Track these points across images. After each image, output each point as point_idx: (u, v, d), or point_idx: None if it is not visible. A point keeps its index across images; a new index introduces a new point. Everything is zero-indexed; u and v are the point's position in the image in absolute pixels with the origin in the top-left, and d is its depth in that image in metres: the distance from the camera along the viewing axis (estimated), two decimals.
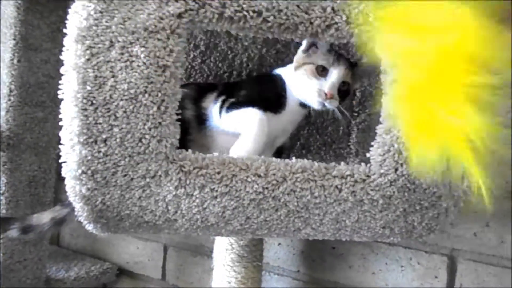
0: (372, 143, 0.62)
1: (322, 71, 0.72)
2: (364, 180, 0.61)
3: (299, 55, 0.76)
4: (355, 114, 0.95)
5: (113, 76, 0.54)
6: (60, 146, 0.56)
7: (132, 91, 0.54)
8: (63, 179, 0.60)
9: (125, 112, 0.54)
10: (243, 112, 0.71)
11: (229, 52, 0.91)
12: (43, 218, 0.76)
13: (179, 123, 0.59)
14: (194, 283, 1.25)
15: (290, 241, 1.12)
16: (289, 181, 0.60)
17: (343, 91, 0.73)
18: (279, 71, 0.80)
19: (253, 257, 0.96)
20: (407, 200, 0.61)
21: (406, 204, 0.62)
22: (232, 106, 0.73)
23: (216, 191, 0.59)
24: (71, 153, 0.55)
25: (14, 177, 1.06)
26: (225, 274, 0.96)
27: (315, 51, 0.74)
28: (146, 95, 0.54)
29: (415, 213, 0.63)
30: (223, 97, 0.76)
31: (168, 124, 0.56)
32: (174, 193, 0.58)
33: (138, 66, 0.54)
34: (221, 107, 0.74)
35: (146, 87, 0.54)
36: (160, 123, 0.55)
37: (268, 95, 0.75)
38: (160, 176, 0.57)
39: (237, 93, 0.76)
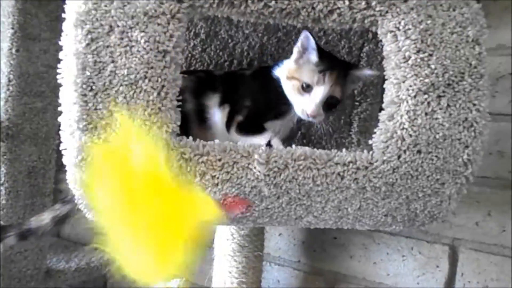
0: (375, 130, 0.61)
1: (307, 88, 0.69)
2: (366, 167, 0.60)
3: (290, 65, 0.73)
4: (357, 103, 0.95)
5: (112, 61, 0.53)
6: (60, 133, 0.55)
7: (132, 76, 0.53)
8: (63, 169, 0.59)
9: (125, 97, 0.53)
10: (257, 139, 0.69)
11: (229, 41, 0.90)
12: (43, 219, 0.74)
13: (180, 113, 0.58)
14: (195, 274, 1.25)
15: (291, 231, 1.12)
16: (291, 168, 0.59)
17: (331, 104, 0.70)
18: (277, 73, 0.76)
19: (254, 247, 0.96)
20: (409, 187, 0.61)
21: (409, 192, 0.61)
22: (242, 127, 0.72)
23: (217, 178, 0.58)
24: (71, 140, 0.54)
25: (13, 167, 1.05)
26: (226, 264, 0.96)
27: (305, 62, 0.71)
28: (146, 81, 0.53)
29: (418, 201, 0.62)
30: (227, 108, 0.74)
31: (168, 110, 0.55)
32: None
33: (138, 51, 0.53)
34: (229, 122, 0.73)
35: (146, 72, 0.53)
36: (160, 109, 0.55)
37: (274, 105, 0.73)
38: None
39: (241, 103, 0.74)
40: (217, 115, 0.74)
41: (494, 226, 0.89)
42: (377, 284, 1.01)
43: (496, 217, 0.88)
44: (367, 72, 0.72)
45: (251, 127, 0.70)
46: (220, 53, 0.91)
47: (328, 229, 1.07)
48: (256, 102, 0.74)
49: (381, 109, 0.84)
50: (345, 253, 1.05)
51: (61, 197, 0.75)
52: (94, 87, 0.53)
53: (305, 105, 0.70)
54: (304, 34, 0.69)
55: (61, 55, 0.54)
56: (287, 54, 0.90)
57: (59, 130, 0.56)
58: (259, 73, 0.81)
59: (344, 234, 1.04)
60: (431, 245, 0.95)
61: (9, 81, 1.02)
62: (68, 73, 0.53)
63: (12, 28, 1.01)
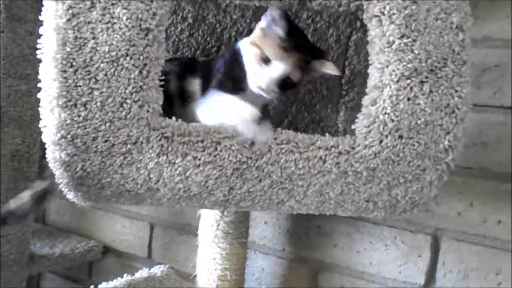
0: (358, 115, 0.61)
1: (266, 61, 0.65)
2: (348, 152, 0.60)
3: (257, 31, 0.67)
4: (344, 92, 0.95)
5: (93, 38, 0.52)
6: (39, 109, 0.54)
7: (113, 53, 0.52)
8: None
9: (105, 75, 0.53)
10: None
11: (217, 26, 0.89)
12: (23, 197, 0.73)
13: (162, 91, 0.58)
14: (180, 261, 1.25)
15: (276, 220, 1.12)
16: (273, 152, 0.59)
17: (286, 84, 0.66)
18: (240, 43, 0.71)
19: (238, 233, 0.96)
20: (391, 173, 0.61)
21: (390, 177, 0.61)
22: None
23: (199, 159, 0.58)
24: (50, 117, 0.54)
25: None
26: (210, 250, 0.96)
27: (271, 34, 0.65)
28: (128, 58, 0.53)
29: (399, 186, 0.63)
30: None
31: (150, 89, 0.55)
32: (156, 160, 0.57)
33: (120, 28, 0.53)
34: None
35: (128, 50, 0.53)
36: (141, 87, 0.54)
37: (230, 76, 0.69)
38: (142, 142, 0.56)
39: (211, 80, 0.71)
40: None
41: (476, 216, 0.89)
42: (360, 272, 1.02)
43: (478, 207, 0.89)
44: (325, 68, 0.65)
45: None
46: (208, 38, 0.90)
47: (313, 217, 1.07)
48: (218, 74, 0.71)
49: None
50: (329, 242, 1.05)
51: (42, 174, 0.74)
52: (74, 64, 0.52)
53: (259, 77, 0.65)
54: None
55: (41, 30, 0.53)
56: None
57: None
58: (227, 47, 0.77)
59: (329, 222, 1.05)
60: (413, 235, 0.96)
61: None
62: (48, 48, 0.52)
63: None
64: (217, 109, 0.67)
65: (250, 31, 0.90)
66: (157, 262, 1.30)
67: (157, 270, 1.03)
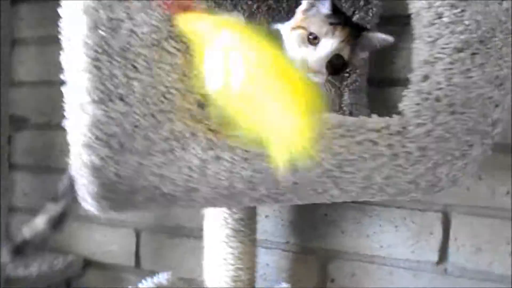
0: (404, 93, 0.58)
1: (313, 40, 0.63)
2: (399, 132, 0.57)
3: (298, 15, 0.67)
4: (346, 75, 0.92)
5: (130, 18, 0.44)
6: (63, 107, 0.46)
7: (154, 35, 0.45)
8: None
9: (146, 61, 0.45)
10: None
11: (217, 9, 0.83)
12: (37, 224, 0.65)
13: None
14: (175, 267, 1.17)
15: (279, 212, 1.08)
16: (326, 138, 0.54)
17: (336, 64, 0.64)
18: (278, 26, 0.70)
19: (248, 230, 0.91)
20: (441, 151, 0.59)
21: (440, 155, 0.59)
22: None
23: (248, 152, 0.52)
24: (80, 115, 0.45)
25: None
26: (220, 252, 0.90)
27: (314, 14, 0.65)
28: (171, 41, 0.46)
29: (445, 164, 0.61)
30: None
31: (195, 76, 0.48)
32: (201, 156, 0.50)
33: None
34: None
35: (170, 31, 0.46)
36: (186, 74, 0.47)
37: None
38: (186, 137, 0.49)
39: None
40: None
41: (484, 189, 0.91)
42: (370, 256, 1.00)
43: (486, 180, 0.91)
44: (381, 35, 0.65)
45: None
46: None
47: (319, 206, 1.04)
48: None
49: (368, 80, 0.82)
50: (337, 229, 1.03)
51: (51, 196, 0.65)
52: (108, 50, 0.44)
53: (308, 56, 0.62)
54: None
55: (61, 12, 0.45)
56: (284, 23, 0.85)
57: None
58: None
59: (335, 210, 1.02)
60: (423, 213, 0.96)
61: None
62: (77, 34, 0.43)
63: None
64: None
65: (251, 14, 0.85)
66: (147, 270, 1.21)
67: (163, 279, 0.95)
